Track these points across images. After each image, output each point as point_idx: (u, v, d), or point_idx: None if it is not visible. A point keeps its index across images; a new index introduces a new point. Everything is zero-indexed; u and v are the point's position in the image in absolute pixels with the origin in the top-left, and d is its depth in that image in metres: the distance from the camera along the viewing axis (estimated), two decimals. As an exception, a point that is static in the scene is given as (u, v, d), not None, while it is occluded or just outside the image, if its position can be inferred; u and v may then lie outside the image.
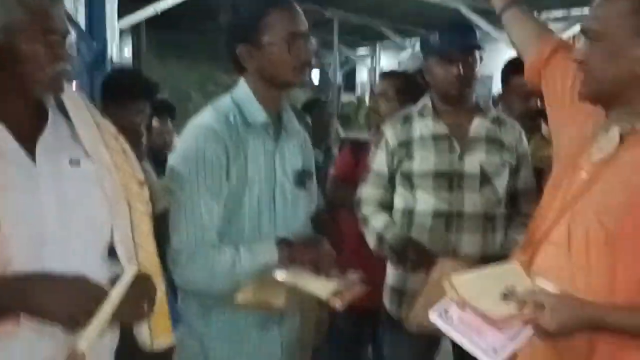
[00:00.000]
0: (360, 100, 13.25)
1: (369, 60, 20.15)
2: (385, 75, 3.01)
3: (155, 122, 2.98)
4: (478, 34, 2.22)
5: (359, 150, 2.86)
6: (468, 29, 2.19)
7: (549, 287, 1.30)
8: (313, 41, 1.72)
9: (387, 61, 21.43)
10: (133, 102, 2.10)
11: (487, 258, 2.13)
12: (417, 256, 2.05)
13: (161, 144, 3.13)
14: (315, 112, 4.01)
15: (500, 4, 1.74)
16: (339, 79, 14.22)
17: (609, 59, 1.29)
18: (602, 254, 1.28)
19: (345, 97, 16.58)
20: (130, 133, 1.66)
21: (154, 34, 9.74)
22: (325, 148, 3.95)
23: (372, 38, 18.93)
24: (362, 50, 21.71)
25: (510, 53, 2.18)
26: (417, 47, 17.44)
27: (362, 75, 26.18)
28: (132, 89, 2.15)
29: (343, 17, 14.85)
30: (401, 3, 12.48)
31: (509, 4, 1.72)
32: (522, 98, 2.52)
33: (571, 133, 1.46)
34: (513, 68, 2.58)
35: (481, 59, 2.14)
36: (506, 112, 2.42)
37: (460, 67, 2.09)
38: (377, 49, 19.99)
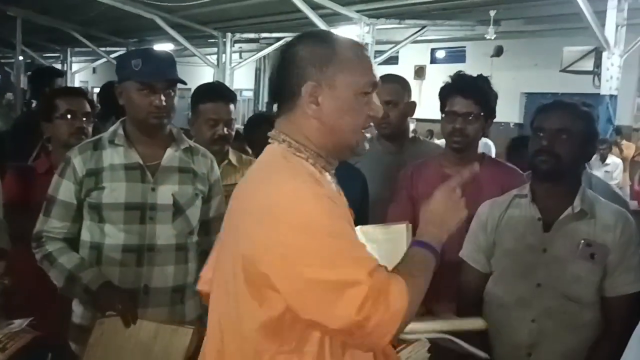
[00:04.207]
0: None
1: (59, 65, 18.75)
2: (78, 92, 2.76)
3: None
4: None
5: (24, 176, 2.59)
6: (171, 60, 2.11)
7: None
8: None
9: (80, 66, 20.26)
10: None
11: (179, 289, 2.12)
12: (115, 300, 1.91)
13: None
14: None
15: None
16: (23, 82, 12.82)
17: None
18: None
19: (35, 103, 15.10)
20: None
21: None
22: None
23: (62, 42, 17.66)
24: (52, 54, 20.17)
25: (206, 77, 2.19)
26: (112, 56, 16.76)
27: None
28: None
29: (28, 17, 13.56)
30: (94, 8, 11.88)
31: None
32: (209, 125, 2.55)
33: None
34: (202, 95, 2.61)
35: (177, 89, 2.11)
36: (195, 139, 2.43)
37: (162, 98, 2.03)
38: (69, 54, 18.72)
